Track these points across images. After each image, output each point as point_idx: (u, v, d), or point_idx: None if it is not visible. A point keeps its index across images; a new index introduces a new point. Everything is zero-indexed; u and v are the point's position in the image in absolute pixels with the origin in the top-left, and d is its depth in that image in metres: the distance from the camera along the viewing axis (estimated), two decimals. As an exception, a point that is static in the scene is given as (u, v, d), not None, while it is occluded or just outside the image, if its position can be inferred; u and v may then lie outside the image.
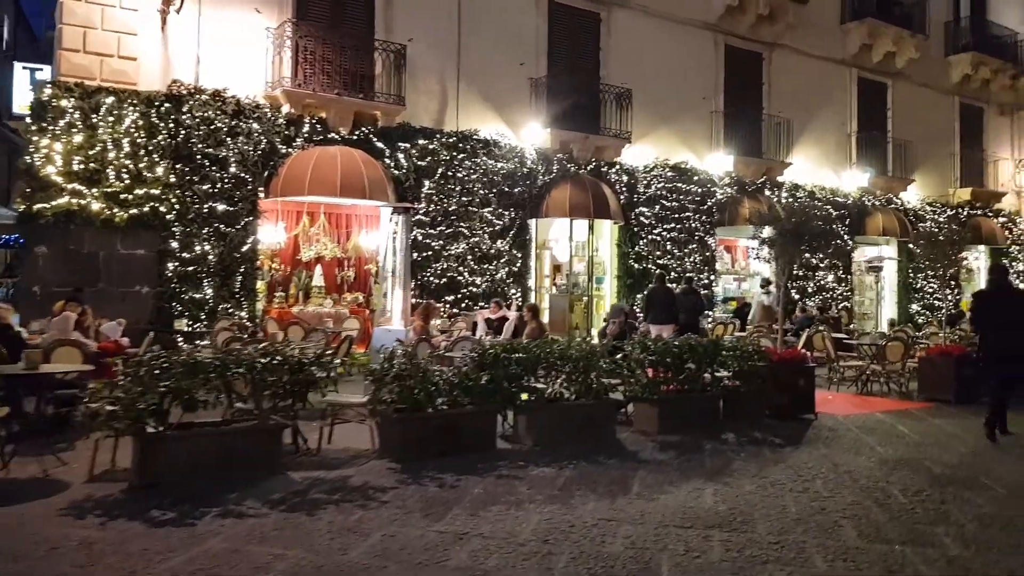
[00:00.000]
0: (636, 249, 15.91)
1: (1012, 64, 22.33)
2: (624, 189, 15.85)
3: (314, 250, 13.56)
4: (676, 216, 16.46)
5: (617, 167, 15.86)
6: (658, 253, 16.09)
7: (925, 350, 11.38)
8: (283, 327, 11.20)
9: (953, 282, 20.30)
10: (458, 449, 6.70)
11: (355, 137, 13.01)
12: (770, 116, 18.22)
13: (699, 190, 16.84)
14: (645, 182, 16.14)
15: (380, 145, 13.22)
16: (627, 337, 9.54)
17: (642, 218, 16.05)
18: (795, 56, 18.77)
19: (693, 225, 16.68)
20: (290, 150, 12.47)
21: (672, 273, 15.90)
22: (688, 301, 13.04)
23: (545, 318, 15.29)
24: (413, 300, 12.97)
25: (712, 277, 16.99)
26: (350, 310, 13.14)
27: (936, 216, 20.40)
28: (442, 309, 12.98)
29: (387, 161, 13.23)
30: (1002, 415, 8.27)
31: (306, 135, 12.62)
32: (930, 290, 19.63)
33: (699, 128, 17.27)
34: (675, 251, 16.37)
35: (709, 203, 16.91)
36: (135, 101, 11.37)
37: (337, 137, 12.83)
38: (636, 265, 15.79)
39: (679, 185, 16.57)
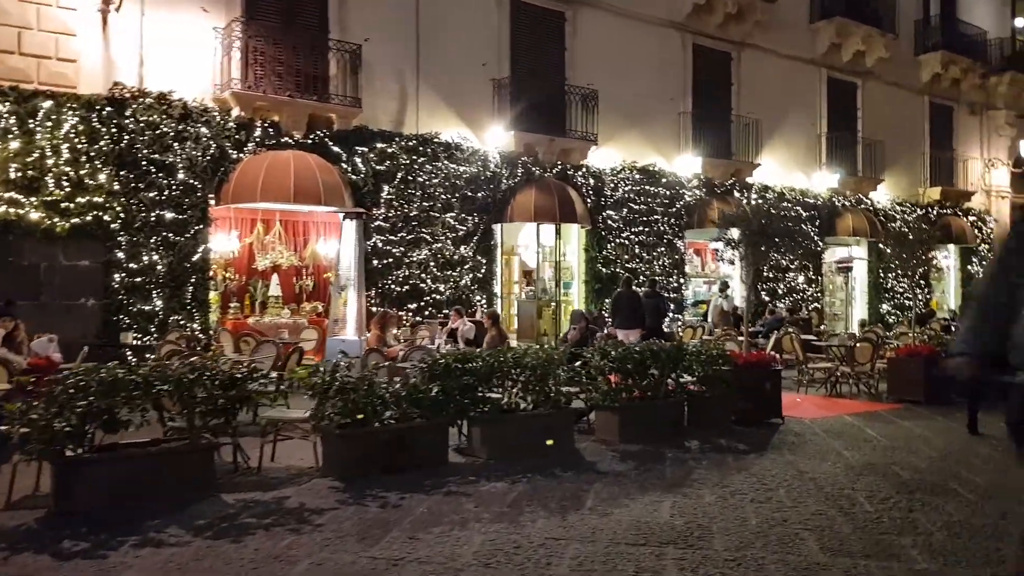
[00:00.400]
0: (604, 253, 15.64)
1: (982, 63, 22.36)
2: (591, 192, 15.58)
3: (270, 259, 13.12)
4: (644, 219, 16.22)
5: (583, 170, 15.58)
6: (626, 257, 15.83)
7: (894, 351, 11.19)
8: (236, 339, 10.75)
9: (923, 282, 20.29)
10: (407, 465, 6.33)
11: (310, 141, 12.61)
12: (739, 117, 18.06)
13: (667, 192, 16.61)
14: (612, 185, 15.88)
15: (336, 149, 12.83)
16: (588, 343, 9.21)
17: (609, 221, 15.78)
18: (764, 55, 18.64)
19: (662, 228, 16.45)
20: (241, 155, 12.04)
21: (640, 277, 15.65)
22: (651, 304, 12.80)
23: (514, 325, 15.00)
24: (374, 308, 12.56)
25: (682, 280, 16.75)
26: (308, 320, 12.71)
27: (906, 216, 20.35)
28: (404, 318, 12.59)
29: (344, 165, 12.85)
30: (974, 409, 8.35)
31: (258, 139, 12.20)
32: (900, 290, 19.55)
33: (667, 129, 17.05)
34: (644, 254, 16.11)
35: (678, 205, 16.69)
36: (75, 105, 10.89)
37: (291, 141, 12.43)
38: (604, 269, 15.51)
39: (647, 188, 16.33)
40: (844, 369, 11.24)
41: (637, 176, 16.24)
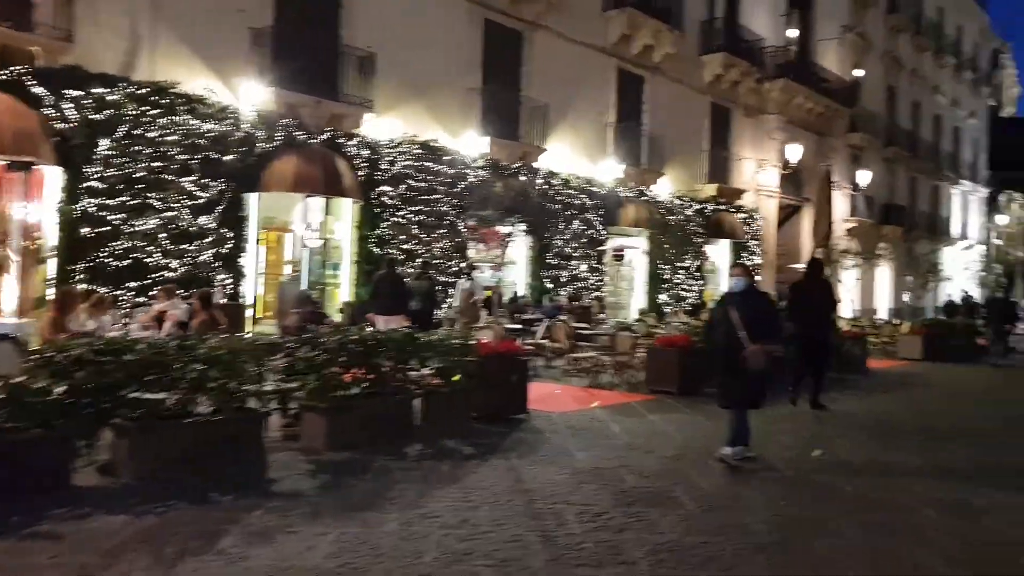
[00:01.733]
0: (378, 232, 14.36)
1: (758, 69, 23.49)
2: (365, 164, 14.22)
3: (-62, 220, 10.50)
4: (424, 198, 15.13)
5: (357, 140, 14.18)
6: (403, 237, 14.66)
7: (654, 340, 10.95)
8: None
9: (698, 272, 21.01)
10: (7, 490, 4.72)
11: (2, 77, 10.19)
12: (529, 99, 17.49)
13: (451, 171, 15.64)
14: (390, 158, 14.63)
15: (39, 90, 10.49)
16: (311, 331, 7.92)
17: (385, 198, 14.52)
18: (556, 39, 18.19)
19: (443, 208, 15.45)
20: None
21: (418, 260, 14.59)
22: (421, 288, 11.79)
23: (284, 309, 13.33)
24: (87, 287, 10.41)
25: (464, 264, 15.87)
26: (-7, 297, 10.30)
27: (684, 210, 20.91)
28: (119, 298, 10.57)
29: (48, 111, 10.54)
30: (818, 386, 9.72)
31: (-78, 69, 9.64)
32: (677, 280, 20.07)
33: (453, 105, 16.05)
34: (422, 235, 15.02)
35: (462, 185, 15.77)
36: None
37: (-28, 75, 9.96)
38: (377, 250, 14.23)
39: (429, 164, 15.25)
40: (605, 359, 10.84)
41: (418, 151, 15.11)
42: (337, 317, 11.93)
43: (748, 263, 7.59)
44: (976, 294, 34.23)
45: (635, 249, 19.12)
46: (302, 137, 13.31)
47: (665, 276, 20.25)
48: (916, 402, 11.18)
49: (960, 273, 37.75)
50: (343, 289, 14.31)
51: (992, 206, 45.57)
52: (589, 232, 18.38)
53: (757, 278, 23.45)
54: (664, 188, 20.62)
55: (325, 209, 14.15)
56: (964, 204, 41.24)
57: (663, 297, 20.20)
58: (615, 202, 18.89)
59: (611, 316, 17.72)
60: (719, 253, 21.94)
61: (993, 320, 18.41)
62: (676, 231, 19.93)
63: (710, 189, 22.06)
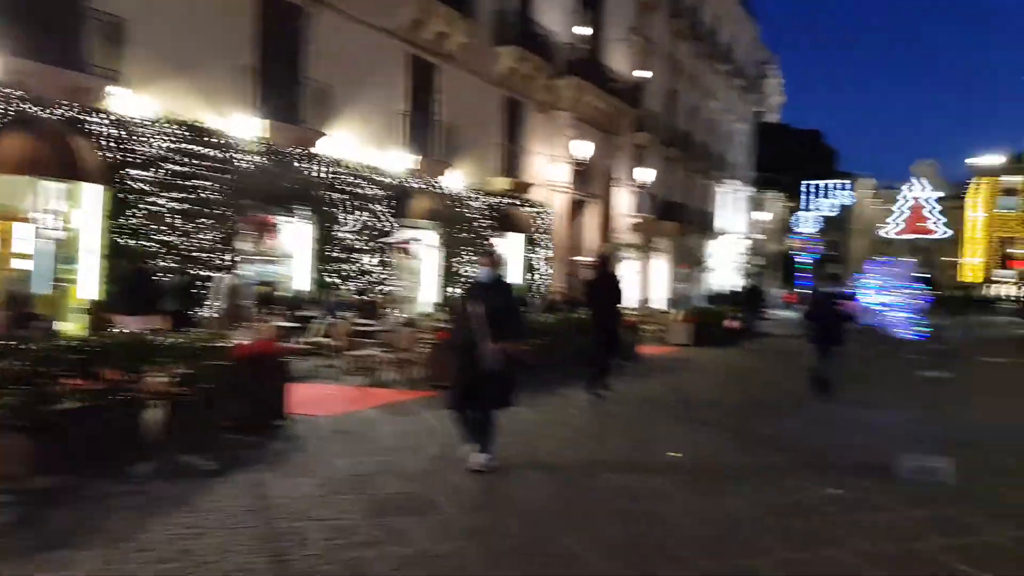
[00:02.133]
0: (128, 221, 12.73)
1: (550, 64, 23.91)
2: (114, 145, 12.54)
3: None
4: (187, 184, 13.67)
5: (105, 117, 12.47)
6: (160, 227, 13.12)
7: (436, 335, 10.65)
8: None
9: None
10: None
11: None
12: (312, 80, 16.47)
13: (220, 155, 14.28)
14: (144, 139, 13.03)
15: None
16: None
17: (138, 183, 12.92)
18: (343, 19, 17.22)
19: (209, 196, 14.06)
20: None
21: (178, 252, 13.14)
22: (179, 284, 10.60)
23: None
24: None
25: (235, 258, 14.59)
26: None
27: (476, 202, 20.91)
28: None
29: None
30: (605, 375, 10.17)
31: None
32: (468, 273, 19.98)
33: (223, 83, 14.63)
34: (184, 225, 13.54)
35: (232, 171, 14.46)
36: None
37: None
38: (129, 241, 12.62)
39: (192, 147, 13.79)
40: (385, 355, 10.38)
41: (180, 131, 13.59)
42: (74, 319, 10.43)
43: (495, 251, 7.01)
44: (739, 284, 37.94)
45: (423, 242, 18.73)
46: (33, 111, 11.45)
47: (455, 269, 20.13)
48: (681, 386, 11.90)
49: (726, 264, 41.70)
50: (88, 287, 12.54)
51: (755, 204, 50.93)
52: (377, 224, 17.76)
53: (549, 271, 24.21)
54: (456, 180, 20.47)
55: (65, 195, 12.31)
56: (731, 202, 45.55)
57: (454, 290, 20.06)
58: (405, 193, 18.41)
59: (401, 311, 17.26)
60: (510, 246, 22.20)
61: (748, 306, 20.34)
62: (467, 224, 19.89)
63: (503, 183, 22.22)
